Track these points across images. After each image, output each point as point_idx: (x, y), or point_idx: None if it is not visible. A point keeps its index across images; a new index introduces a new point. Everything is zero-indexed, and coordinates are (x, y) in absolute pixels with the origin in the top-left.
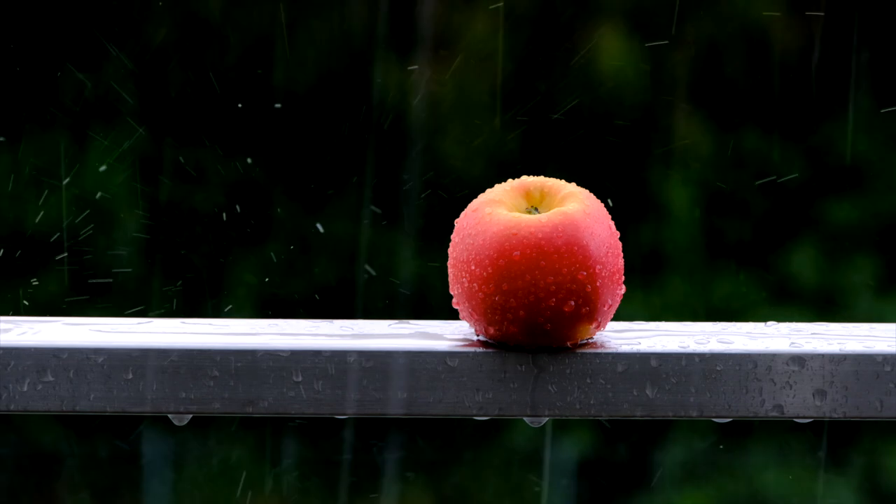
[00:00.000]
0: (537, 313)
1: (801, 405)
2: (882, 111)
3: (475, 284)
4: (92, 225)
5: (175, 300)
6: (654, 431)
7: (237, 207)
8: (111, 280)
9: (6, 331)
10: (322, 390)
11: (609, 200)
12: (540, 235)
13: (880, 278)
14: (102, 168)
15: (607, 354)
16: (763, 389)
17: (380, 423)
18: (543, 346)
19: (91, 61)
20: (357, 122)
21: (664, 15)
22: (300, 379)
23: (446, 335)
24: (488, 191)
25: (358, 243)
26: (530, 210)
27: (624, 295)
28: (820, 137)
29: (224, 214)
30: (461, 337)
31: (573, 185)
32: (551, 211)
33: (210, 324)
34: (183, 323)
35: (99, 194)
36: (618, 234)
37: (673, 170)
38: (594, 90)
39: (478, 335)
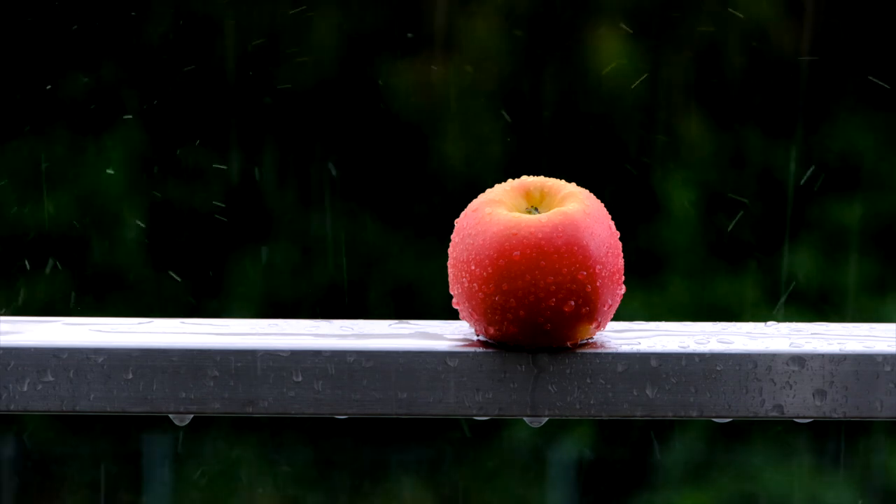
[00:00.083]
0: (537, 313)
1: (801, 405)
2: (882, 111)
3: (475, 284)
4: (92, 225)
5: (175, 300)
6: (654, 431)
7: (237, 208)
8: (111, 280)
9: (6, 331)
10: (322, 390)
11: (609, 200)
12: (540, 235)
13: (880, 278)
14: (103, 168)
15: (607, 354)
16: (763, 389)
17: (380, 423)
18: (543, 346)
19: (91, 61)
20: (357, 121)
21: (664, 15)
22: (300, 379)
23: (446, 335)
24: (488, 191)
25: (358, 243)
26: (530, 210)
27: (624, 295)
28: (820, 137)
29: (224, 214)
30: (461, 337)
31: (573, 185)
32: (551, 211)
33: (210, 324)
34: (183, 323)
35: (99, 194)
36: (618, 234)
37: (673, 170)
38: (594, 90)
39: (478, 335)
